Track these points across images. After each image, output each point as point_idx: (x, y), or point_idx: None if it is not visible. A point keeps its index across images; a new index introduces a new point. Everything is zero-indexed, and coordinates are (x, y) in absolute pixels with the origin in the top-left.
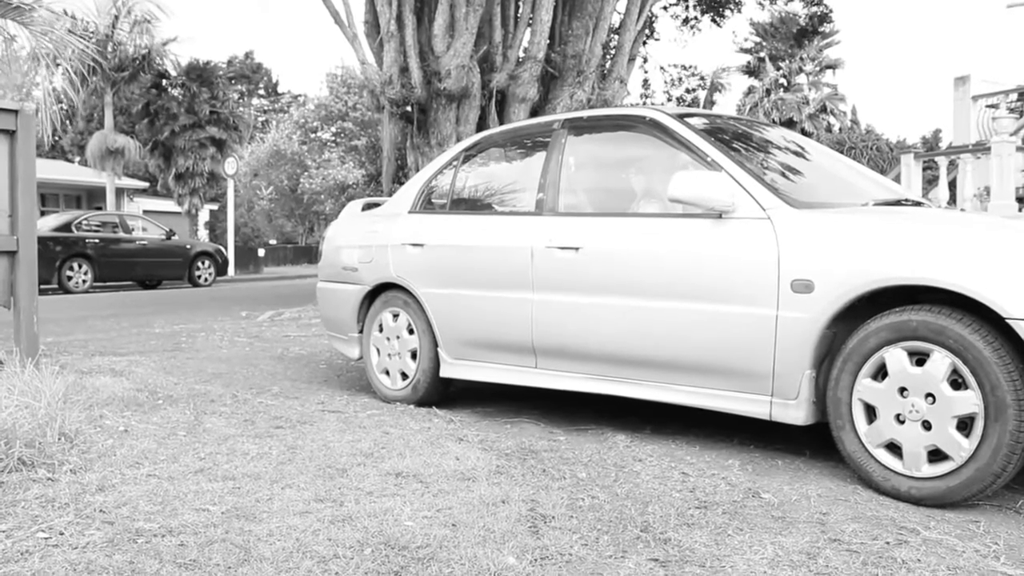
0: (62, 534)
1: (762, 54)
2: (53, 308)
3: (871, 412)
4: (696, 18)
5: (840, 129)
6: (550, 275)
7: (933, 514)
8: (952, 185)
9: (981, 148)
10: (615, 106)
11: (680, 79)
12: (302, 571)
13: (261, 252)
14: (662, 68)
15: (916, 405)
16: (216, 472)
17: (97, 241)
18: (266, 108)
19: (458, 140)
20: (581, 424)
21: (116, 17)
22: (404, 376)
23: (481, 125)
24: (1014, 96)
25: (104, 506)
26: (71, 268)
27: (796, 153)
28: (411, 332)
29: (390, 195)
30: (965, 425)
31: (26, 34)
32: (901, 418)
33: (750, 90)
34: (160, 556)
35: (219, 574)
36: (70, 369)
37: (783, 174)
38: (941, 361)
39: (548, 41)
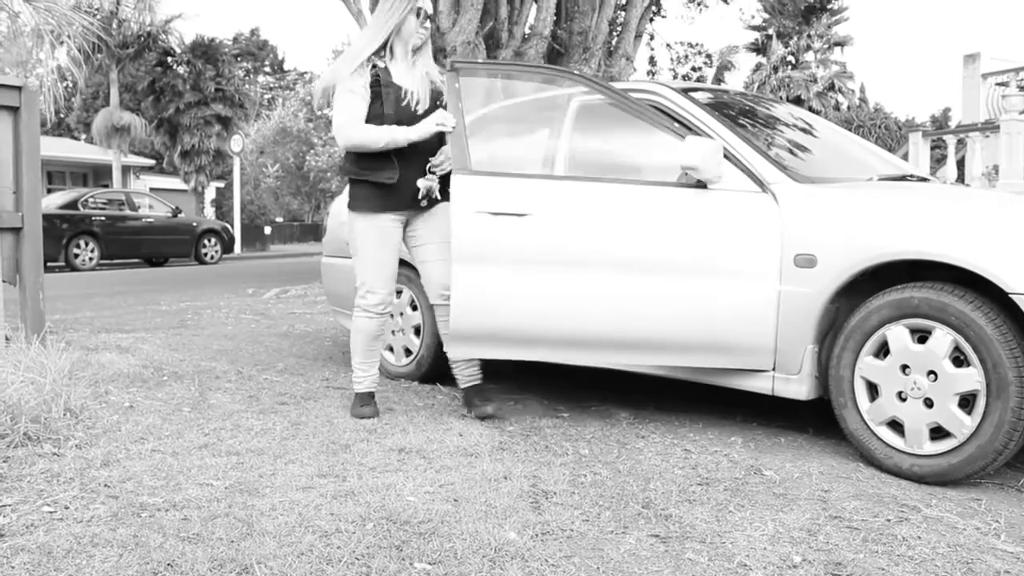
0: (67, 508)
1: (770, 31)
2: (60, 285)
3: (873, 389)
4: None
5: (848, 107)
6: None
7: (935, 492)
8: (960, 164)
9: (990, 127)
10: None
11: (687, 56)
12: (304, 545)
13: (267, 230)
14: (669, 46)
15: (918, 382)
16: (220, 447)
17: (104, 218)
18: (272, 85)
19: None
20: (585, 401)
21: None
22: (408, 352)
23: None
24: None
25: (109, 481)
26: (78, 246)
27: (802, 129)
28: (414, 308)
29: None
30: (967, 402)
31: (29, 10)
32: (903, 395)
33: (757, 67)
34: (164, 530)
35: (222, 548)
36: (76, 346)
37: (788, 149)
38: (943, 338)
39: (554, 17)
